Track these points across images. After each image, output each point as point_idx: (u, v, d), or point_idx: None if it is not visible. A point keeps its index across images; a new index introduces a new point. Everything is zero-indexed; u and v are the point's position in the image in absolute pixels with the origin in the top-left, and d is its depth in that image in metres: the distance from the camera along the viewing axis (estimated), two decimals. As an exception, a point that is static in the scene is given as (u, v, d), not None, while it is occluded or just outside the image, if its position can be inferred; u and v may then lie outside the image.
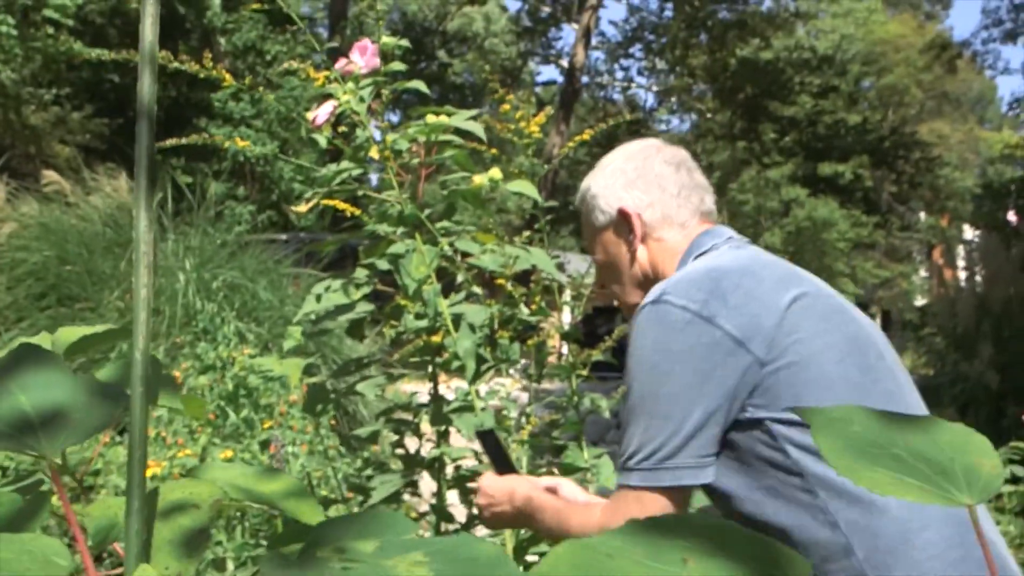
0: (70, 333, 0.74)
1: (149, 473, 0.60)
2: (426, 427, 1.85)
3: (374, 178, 2.21)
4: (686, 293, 1.16)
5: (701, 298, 1.15)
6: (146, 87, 0.56)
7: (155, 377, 0.67)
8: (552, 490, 1.40)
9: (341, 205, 1.83)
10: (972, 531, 1.08)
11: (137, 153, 0.57)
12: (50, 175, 6.55)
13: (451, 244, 1.87)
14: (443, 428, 1.82)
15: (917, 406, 1.21)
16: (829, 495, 1.08)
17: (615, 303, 1.43)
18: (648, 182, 1.35)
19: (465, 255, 1.95)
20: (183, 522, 0.57)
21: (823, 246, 20.72)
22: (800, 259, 20.84)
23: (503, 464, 1.48)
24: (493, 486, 1.42)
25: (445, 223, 1.95)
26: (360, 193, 2.00)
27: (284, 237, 9.09)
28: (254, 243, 6.36)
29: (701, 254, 1.29)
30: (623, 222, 1.35)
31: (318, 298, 1.92)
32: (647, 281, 1.34)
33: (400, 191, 1.88)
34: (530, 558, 1.75)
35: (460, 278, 1.92)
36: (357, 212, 1.87)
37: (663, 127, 26.00)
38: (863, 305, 21.99)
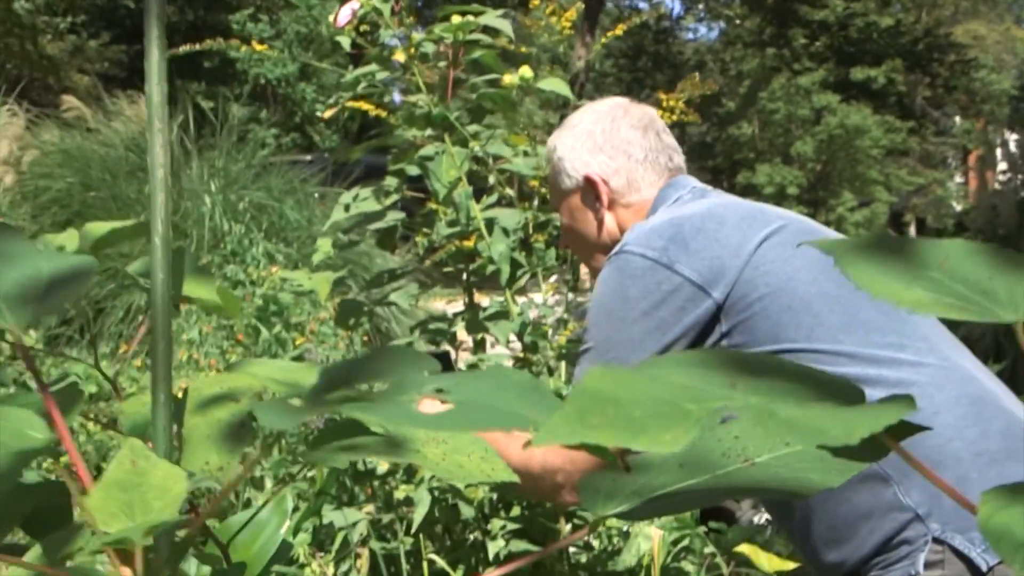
0: (98, 228, 0.70)
1: (180, 394, 0.56)
2: (463, 335, 1.81)
3: (397, 96, 2.12)
4: (646, 241, 1.17)
5: (660, 245, 1.16)
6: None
7: (180, 265, 0.62)
8: None
9: (366, 106, 1.76)
10: (987, 406, 1.08)
11: (147, 22, 0.51)
12: (70, 100, 6.49)
13: (482, 147, 1.80)
14: (479, 336, 1.78)
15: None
16: None
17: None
18: (615, 147, 1.31)
19: (496, 158, 1.88)
20: (221, 415, 0.55)
21: (856, 154, 20.18)
22: (832, 168, 20.43)
23: None
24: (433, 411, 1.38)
25: (475, 126, 1.88)
26: (386, 99, 1.92)
27: (308, 158, 9.02)
28: (279, 164, 6.29)
29: (666, 207, 1.28)
30: (590, 189, 1.32)
31: (347, 207, 1.86)
32: (614, 247, 1.30)
33: (428, 94, 1.80)
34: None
35: (491, 181, 1.85)
36: (384, 114, 1.79)
37: (690, 36, 25.28)
38: (897, 213, 21.60)
